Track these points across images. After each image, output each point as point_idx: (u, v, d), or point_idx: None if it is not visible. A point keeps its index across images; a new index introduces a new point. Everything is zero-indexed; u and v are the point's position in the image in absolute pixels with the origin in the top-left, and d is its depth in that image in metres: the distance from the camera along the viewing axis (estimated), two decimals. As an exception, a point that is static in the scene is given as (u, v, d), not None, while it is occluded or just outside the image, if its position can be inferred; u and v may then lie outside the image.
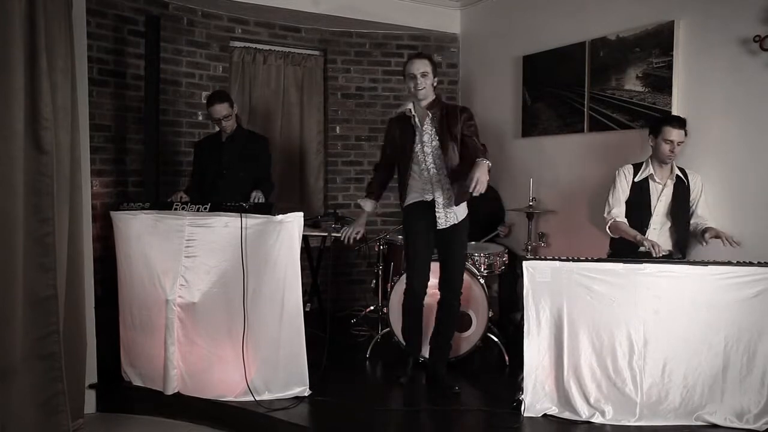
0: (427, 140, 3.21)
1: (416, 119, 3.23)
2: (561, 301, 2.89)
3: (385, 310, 3.90)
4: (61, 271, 2.69)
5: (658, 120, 3.49)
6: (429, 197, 3.24)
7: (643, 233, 3.37)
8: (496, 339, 3.78)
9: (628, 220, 3.44)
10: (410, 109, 3.23)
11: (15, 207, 2.46)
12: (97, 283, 3.40)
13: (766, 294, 2.83)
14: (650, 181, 3.44)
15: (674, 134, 3.32)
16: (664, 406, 2.88)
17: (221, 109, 3.83)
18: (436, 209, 3.22)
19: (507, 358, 3.70)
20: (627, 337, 2.87)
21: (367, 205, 3.42)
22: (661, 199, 3.43)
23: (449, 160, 3.16)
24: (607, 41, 4.03)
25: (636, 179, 3.46)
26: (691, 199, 3.46)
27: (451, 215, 3.24)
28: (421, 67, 3.19)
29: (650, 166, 3.45)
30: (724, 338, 2.85)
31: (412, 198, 3.30)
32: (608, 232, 3.50)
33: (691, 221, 3.46)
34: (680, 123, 3.36)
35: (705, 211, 3.46)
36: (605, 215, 3.51)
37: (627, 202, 3.48)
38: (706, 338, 2.86)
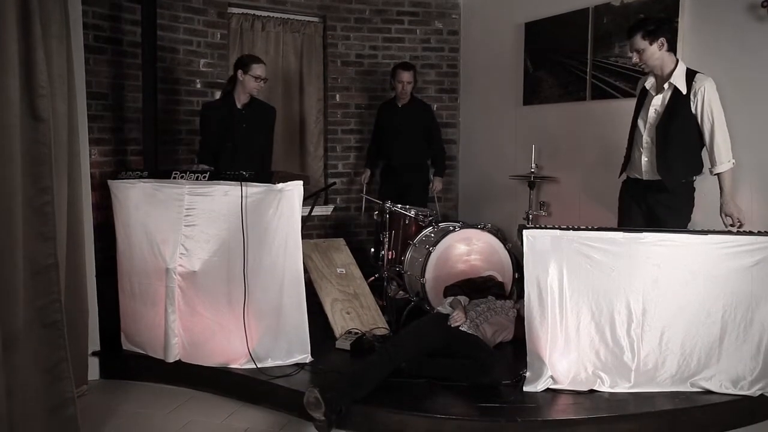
0: None
1: None
2: (561, 270, 2.88)
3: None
4: (61, 240, 2.69)
5: None
6: None
7: (632, 153, 3.20)
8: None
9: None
10: None
11: (13, 176, 2.44)
12: (97, 252, 3.40)
13: (764, 263, 2.84)
14: (647, 89, 3.11)
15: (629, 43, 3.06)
16: (660, 373, 2.91)
17: (264, 69, 3.80)
18: None
19: None
20: (626, 305, 2.88)
21: None
22: (650, 113, 3.05)
23: None
24: (611, 7, 3.96)
25: (641, 87, 3.20)
26: (693, 112, 2.93)
27: None
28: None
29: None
30: (722, 307, 2.87)
31: None
32: None
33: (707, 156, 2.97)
34: (628, 32, 3.06)
35: (712, 139, 2.92)
36: None
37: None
38: (704, 307, 2.88)
